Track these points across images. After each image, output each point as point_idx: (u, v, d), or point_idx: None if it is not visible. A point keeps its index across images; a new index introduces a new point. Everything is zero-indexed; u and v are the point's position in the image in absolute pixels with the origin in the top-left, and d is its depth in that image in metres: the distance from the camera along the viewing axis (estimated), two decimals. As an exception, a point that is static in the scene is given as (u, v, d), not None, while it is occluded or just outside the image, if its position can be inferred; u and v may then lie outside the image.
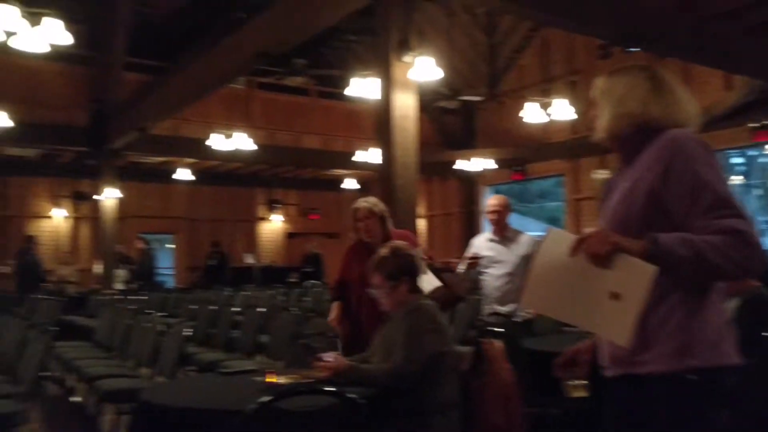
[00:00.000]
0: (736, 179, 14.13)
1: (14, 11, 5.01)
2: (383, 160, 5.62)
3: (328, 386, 2.36)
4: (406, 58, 5.48)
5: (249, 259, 14.51)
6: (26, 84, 11.19)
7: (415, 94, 5.60)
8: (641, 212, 1.66)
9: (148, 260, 12.72)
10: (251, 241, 15.57)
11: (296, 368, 2.94)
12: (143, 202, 14.04)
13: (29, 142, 11.25)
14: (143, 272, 12.31)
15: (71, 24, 5.75)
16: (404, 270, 2.87)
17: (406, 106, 5.50)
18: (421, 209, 5.18)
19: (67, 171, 13.23)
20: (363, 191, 14.41)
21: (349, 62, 14.99)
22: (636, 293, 1.52)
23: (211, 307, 6.98)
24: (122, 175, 12.07)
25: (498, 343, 2.88)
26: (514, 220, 4.86)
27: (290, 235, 16.11)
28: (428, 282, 3.27)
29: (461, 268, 4.60)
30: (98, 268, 11.87)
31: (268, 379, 2.65)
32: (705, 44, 7.12)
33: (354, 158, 12.32)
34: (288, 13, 6.65)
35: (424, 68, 5.60)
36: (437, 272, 3.54)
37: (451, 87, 12.33)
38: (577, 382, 1.81)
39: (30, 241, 11.93)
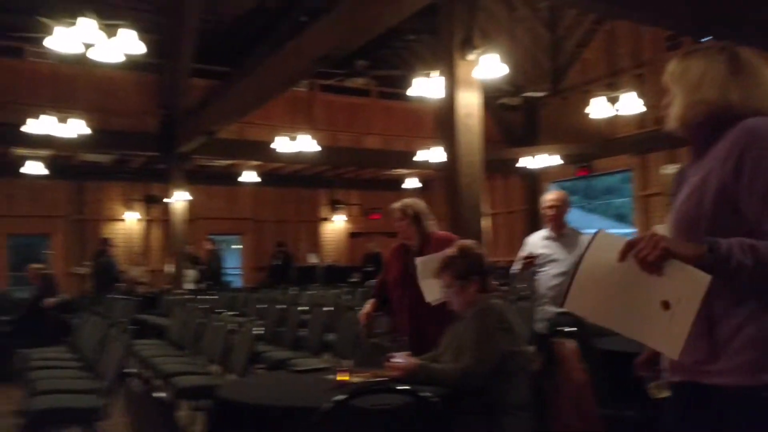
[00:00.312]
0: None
1: (92, 24, 5.23)
2: (447, 159, 5.61)
3: (401, 385, 2.37)
4: (470, 56, 5.47)
5: (312, 259, 14.74)
6: (101, 93, 11.68)
7: (479, 92, 5.56)
8: (710, 211, 1.51)
9: (217, 260, 13.05)
10: (314, 241, 15.80)
11: (366, 367, 2.96)
12: (211, 204, 14.41)
13: (104, 149, 11.70)
14: (212, 272, 12.64)
15: (143, 34, 5.97)
16: (473, 269, 2.86)
17: (470, 104, 5.48)
18: (484, 208, 5.15)
19: (138, 175, 13.74)
20: (424, 190, 14.41)
21: (409, 62, 15.02)
22: (688, 303, 1.41)
23: (279, 306, 7.08)
24: (191, 179, 12.43)
25: (570, 343, 2.82)
26: (580, 217, 4.74)
27: (352, 235, 16.27)
28: (435, 288, 3.13)
29: (516, 268, 4.46)
30: (169, 268, 12.27)
31: (339, 378, 2.68)
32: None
33: (415, 158, 12.32)
34: (350, 15, 6.69)
35: (488, 66, 5.57)
36: None
37: (514, 83, 12.20)
38: (661, 381, 1.73)
39: (105, 243, 12.37)
